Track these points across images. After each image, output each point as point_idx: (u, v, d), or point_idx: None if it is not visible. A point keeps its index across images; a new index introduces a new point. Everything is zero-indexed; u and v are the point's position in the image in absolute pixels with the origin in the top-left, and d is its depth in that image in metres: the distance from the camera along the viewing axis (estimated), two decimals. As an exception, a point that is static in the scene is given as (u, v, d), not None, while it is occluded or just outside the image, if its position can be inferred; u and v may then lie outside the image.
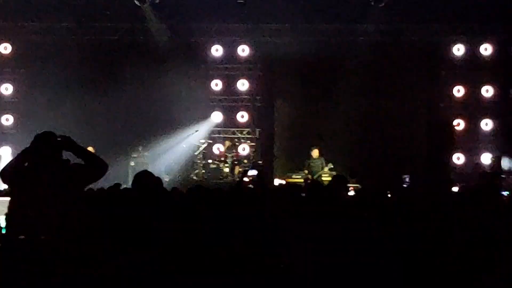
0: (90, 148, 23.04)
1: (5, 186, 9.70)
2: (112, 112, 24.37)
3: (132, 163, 24.26)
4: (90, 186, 8.64)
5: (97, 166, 7.96)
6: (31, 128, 18.16)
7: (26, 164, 7.79)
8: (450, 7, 22.63)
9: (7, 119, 25.18)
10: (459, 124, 24.18)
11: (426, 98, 24.64)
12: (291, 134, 25.42)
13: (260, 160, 24.70)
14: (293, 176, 23.16)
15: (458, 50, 24.59)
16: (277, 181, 20.28)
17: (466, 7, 22.47)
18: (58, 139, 7.87)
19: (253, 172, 21.38)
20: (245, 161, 24.74)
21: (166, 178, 23.76)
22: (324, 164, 23.02)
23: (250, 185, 16.36)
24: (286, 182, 19.16)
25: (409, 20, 23.70)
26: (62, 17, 23.85)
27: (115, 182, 14.87)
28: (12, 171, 7.76)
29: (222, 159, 24.76)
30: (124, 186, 15.39)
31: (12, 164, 7.83)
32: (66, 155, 7.91)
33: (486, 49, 24.30)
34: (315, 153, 23.13)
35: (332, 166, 22.55)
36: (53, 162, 7.74)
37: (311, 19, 23.83)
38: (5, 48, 24.94)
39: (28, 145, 7.85)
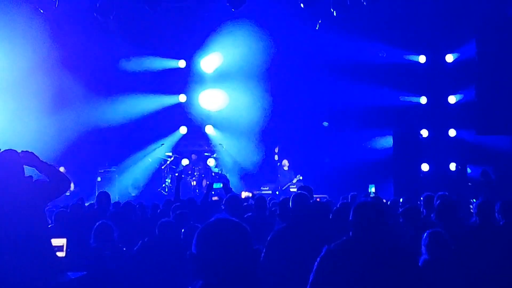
0: (61, 169, 23.08)
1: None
2: (77, 127, 24.15)
3: (99, 178, 24.13)
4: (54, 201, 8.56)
5: (60, 182, 7.88)
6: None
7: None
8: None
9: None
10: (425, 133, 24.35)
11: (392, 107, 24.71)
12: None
13: (226, 173, 24.69)
14: (262, 188, 23.29)
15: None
16: (244, 194, 20.32)
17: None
18: (20, 154, 7.80)
19: (218, 185, 21.44)
20: (212, 173, 24.74)
21: (132, 193, 23.74)
22: (293, 176, 23.25)
23: (216, 198, 16.39)
24: (252, 194, 19.19)
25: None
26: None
27: (80, 197, 14.83)
28: None
29: (189, 172, 24.75)
30: (90, 201, 15.36)
31: None
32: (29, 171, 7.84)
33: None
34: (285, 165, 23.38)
35: (301, 178, 22.66)
36: (15, 179, 7.66)
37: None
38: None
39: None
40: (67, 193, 22.71)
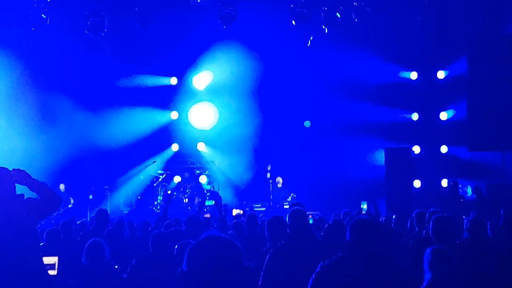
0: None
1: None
2: (69, 144, 24.09)
3: (91, 196, 24.09)
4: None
5: (51, 200, 7.85)
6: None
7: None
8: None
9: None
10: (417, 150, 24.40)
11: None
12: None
13: (218, 190, 24.66)
14: (254, 205, 23.27)
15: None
16: (235, 211, 20.33)
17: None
18: (12, 172, 7.77)
19: (210, 202, 21.47)
20: (205, 191, 24.71)
21: (124, 211, 23.69)
22: (287, 193, 23.31)
23: (208, 215, 16.37)
24: (244, 211, 19.17)
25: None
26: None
27: (72, 215, 14.79)
28: None
29: (181, 189, 24.74)
30: (81, 219, 15.31)
31: None
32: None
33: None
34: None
35: (295, 196, 22.68)
36: (6, 197, 7.62)
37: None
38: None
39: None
40: (60, 211, 22.80)
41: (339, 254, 6.34)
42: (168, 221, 12.73)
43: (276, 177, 24.52)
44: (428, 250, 7.85)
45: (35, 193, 7.84)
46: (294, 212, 9.03)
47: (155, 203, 24.59)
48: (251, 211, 15.97)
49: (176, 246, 9.72)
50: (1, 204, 7.55)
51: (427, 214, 11.66)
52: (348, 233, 6.30)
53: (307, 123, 25.23)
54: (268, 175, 25.10)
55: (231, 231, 11.92)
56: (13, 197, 7.68)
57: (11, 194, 7.68)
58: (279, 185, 24.23)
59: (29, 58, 23.15)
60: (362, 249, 6.15)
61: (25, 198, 7.79)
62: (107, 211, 13.70)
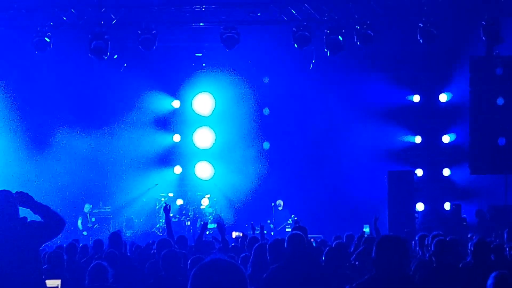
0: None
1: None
2: (71, 166, 24.10)
3: (93, 219, 24.08)
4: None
5: (54, 223, 7.85)
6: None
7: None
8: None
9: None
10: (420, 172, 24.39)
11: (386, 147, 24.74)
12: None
13: (220, 213, 24.62)
14: (256, 228, 23.15)
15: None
16: (234, 234, 20.30)
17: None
18: (15, 195, 7.79)
19: (213, 225, 21.43)
20: (207, 213, 24.68)
21: (127, 233, 23.64)
22: (288, 215, 23.26)
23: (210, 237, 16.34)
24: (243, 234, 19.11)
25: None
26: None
27: (75, 238, 14.76)
28: None
29: (184, 212, 24.72)
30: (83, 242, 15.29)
31: None
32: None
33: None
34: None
35: (296, 218, 22.60)
36: (9, 220, 7.63)
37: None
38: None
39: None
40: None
41: (366, 276, 6.29)
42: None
43: (277, 200, 24.44)
44: (491, 276, 7.63)
45: (38, 216, 7.85)
46: (292, 236, 9.01)
47: (158, 226, 24.55)
48: (252, 234, 15.88)
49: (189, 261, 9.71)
50: (4, 227, 7.56)
51: (430, 237, 11.65)
52: (374, 251, 6.22)
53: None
54: (279, 205, 24.90)
55: (231, 254, 11.88)
56: (16, 220, 7.69)
57: (14, 217, 7.69)
58: (280, 208, 24.19)
59: (32, 81, 23.23)
60: (389, 267, 6.06)
61: (28, 221, 7.80)
62: (120, 233, 13.62)
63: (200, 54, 24.03)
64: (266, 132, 25.34)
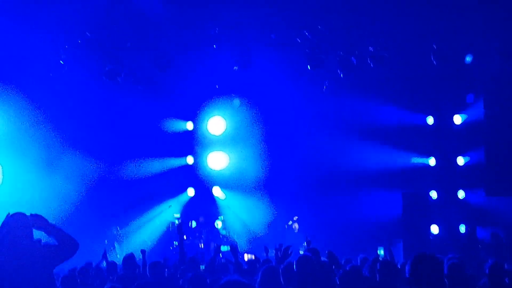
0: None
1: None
2: (85, 187, 24.13)
3: (106, 241, 24.06)
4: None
5: (68, 245, 7.86)
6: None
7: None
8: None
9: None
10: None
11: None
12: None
13: (234, 235, 24.59)
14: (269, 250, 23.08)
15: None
16: (246, 256, 20.25)
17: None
18: (29, 218, 7.81)
19: (226, 248, 21.36)
20: (220, 236, 24.63)
21: (140, 255, 23.57)
22: (302, 239, 23.12)
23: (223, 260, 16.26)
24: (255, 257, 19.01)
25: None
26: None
27: (88, 261, 14.73)
28: None
29: (197, 234, 24.68)
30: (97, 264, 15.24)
31: None
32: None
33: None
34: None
35: (310, 241, 22.49)
36: (24, 243, 7.64)
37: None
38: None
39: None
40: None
41: None
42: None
43: (293, 223, 24.39)
44: None
45: (52, 238, 7.86)
46: (301, 259, 8.96)
47: (171, 248, 24.51)
48: (266, 257, 15.79)
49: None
50: (18, 250, 7.57)
51: (445, 261, 11.57)
52: (408, 270, 6.12)
53: None
54: (290, 222, 24.85)
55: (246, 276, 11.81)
56: (30, 242, 7.70)
57: (28, 239, 7.70)
58: (296, 231, 24.12)
59: (46, 103, 23.31)
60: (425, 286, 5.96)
61: (42, 243, 7.81)
62: (134, 255, 13.61)
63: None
64: (279, 153, 25.26)
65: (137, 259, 13.56)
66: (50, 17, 19.29)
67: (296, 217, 24.77)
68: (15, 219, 7.80)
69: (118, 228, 24.64)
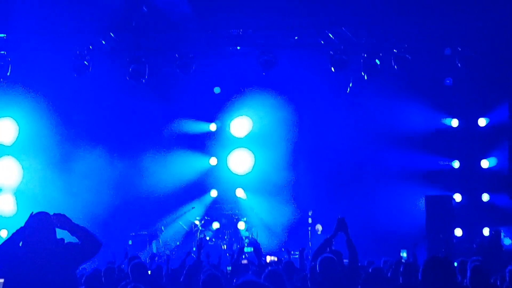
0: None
1: None
2: (108, 189, 24.19)
3: (130, 242, 24.12)
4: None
5: (91, 245, 7.88)
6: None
7: (20, 244, 7.73)
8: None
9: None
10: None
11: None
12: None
13: (257, 237, 24.56)
14: (292, 253, 23.06)
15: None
16: (269, 258, 20.21)
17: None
18: (53, 217, 7.83)
19: (249, 249, 21.34)
20: (243, 237, 24.63)
21: (164, 256, 23.65)
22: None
23: (245, 261, 16.26)
24: (278, 259, 18.99)
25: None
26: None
27: (111, 260, 14.78)
28: (6, 251, 7.68)
29: (220, 235, 24.70)
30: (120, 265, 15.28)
31: (6, 244, 7.75)
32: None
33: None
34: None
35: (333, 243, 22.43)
36: (47, 242, 7.67)
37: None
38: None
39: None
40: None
41: None
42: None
43: (316, 224, 24.34)
44: None
45: (75, 237, 7.88)
46: (323, 260, 8.95)
47: (194, 249, 24.54)
48: (288, 258, 15.81)
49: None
50: (41, 249, 7.60)
51: (469, 263, 11.51)
52: (421, 273, 6.11)
53: None
54: (310, 220, 24.85)
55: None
56: (53, 242, 7.73)
57: (51, 238, 7.73)
58: (319, 232, 24.05)
59: (70, 104, 23.44)
60: None
61: (65, 242, 7.84)
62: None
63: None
64: (302, 154, 25.22)
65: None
66: (75, 18, 19.44)
67: (311, 212, 24.70)
68: (38, 218, 7.84)
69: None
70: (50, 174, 23.51)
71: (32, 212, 7.93)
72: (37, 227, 7.74)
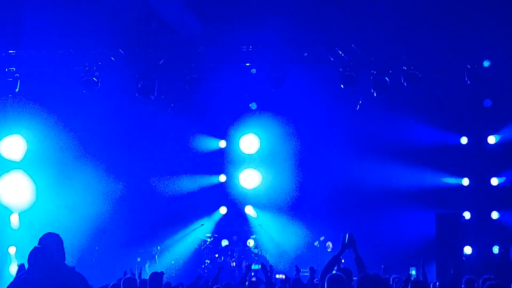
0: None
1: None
2: (119, 205, 24.21)
3: (139, 259, 24.08)
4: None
5: None
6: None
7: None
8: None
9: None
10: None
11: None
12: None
13: (266, 254, 24.52)
14: (302, 270, 22.98)
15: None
16: (277, 276, 20.13)
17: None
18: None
19: (257, 266, 21.28)
20: (252, 254, 24.58)
21: (173, 273, 23.64)
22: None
23: (254, 279, 16.20)
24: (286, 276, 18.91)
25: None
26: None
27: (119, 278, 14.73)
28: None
29: (229, 253, 24.65)
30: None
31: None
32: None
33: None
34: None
35: (343, 261, 22.38)
36: (55, 264, 7.65)
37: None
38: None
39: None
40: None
41: None
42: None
43: (327, 242, 24.25)
44: None
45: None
46: (331, 278, 8.90)
47: (203, 266, 24.50)
48: (297, 275, 15.75)
49: None
50: (53, 269, 7.58)
51: (479, 282, 11.44)
52: None
53: None
54: (317, 244, 24.70)
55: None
56: (62, 265, 7.72)
57: (60, 261, 7.71)
58: (329, 250, 23.94)
59: (79, 120, 23.47)
60: None
61: (75, 271, 7.83)
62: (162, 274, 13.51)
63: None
64: (311, 171, 25.18)
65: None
66: (84, 34, 19.50)
67: (323, 237, 24.60)
68: (50, 238, 7.83)
69: (158, 248, 24.66)
70: (58, 190, 23.51)
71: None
72: (49, 247, 7.72)
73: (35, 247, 7.83)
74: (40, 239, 7.90)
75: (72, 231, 7.97)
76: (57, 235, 7.92)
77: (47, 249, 7.69)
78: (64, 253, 7.83)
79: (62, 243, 7.86)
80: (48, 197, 23.52)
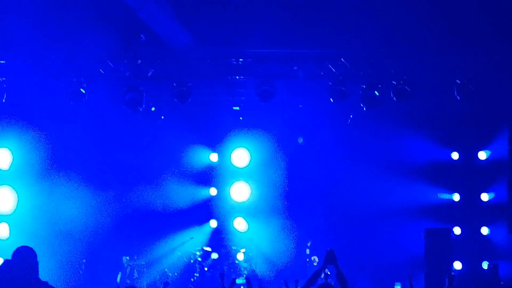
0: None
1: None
2: (105, 217, 24.16)
3: (136, 274, 23.98)
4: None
5: None
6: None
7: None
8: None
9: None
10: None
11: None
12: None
13: (255, 268, 24.43)
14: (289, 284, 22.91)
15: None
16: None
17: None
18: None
19: (241, 280, 21.23)
20: (242, 268, 24.50)
21: (161, 287, 23.53)
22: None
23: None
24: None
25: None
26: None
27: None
28: None
29: (218, 266, 24.56)
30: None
31: None
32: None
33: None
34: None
35: (329, 273, 22.35)
36: (26, 277, 7.60)
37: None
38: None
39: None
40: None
41: None
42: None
43: (312, 256, 24.17)
44: None
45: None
46: (321, 287, 8.88)
47: (192, 279, 24.40)
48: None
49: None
50: (24, 285, 7.54)
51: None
52: None
53: None
54: (308, 251, 24.71)
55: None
56: (34, 277, 7.66)
57: (32, 274, 7.66)
58: (315, 264, 23.89)
59: (66, 131, 23.43)
60: None
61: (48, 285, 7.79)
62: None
63: (238, 108, 23.96)
64: (302, 186, 25.13)
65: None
66: (72, 46, 19.50)
67: (310, 243, 24.56)
68: (23, 251, 7.77)
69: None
70: (43, 201, 23.48)
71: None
72: (21, 261, 7.67)
73: (6, 260, 7.79)
74: (14, 252, 7.83)
75: (56, 244, 7.93)
76: (31, 249, 7.85)
77: (20, 263, 7.63)
78: (37, 267, 7.76)
79: (36, 256, 7.79)
80: (31, 209, 23.50)
